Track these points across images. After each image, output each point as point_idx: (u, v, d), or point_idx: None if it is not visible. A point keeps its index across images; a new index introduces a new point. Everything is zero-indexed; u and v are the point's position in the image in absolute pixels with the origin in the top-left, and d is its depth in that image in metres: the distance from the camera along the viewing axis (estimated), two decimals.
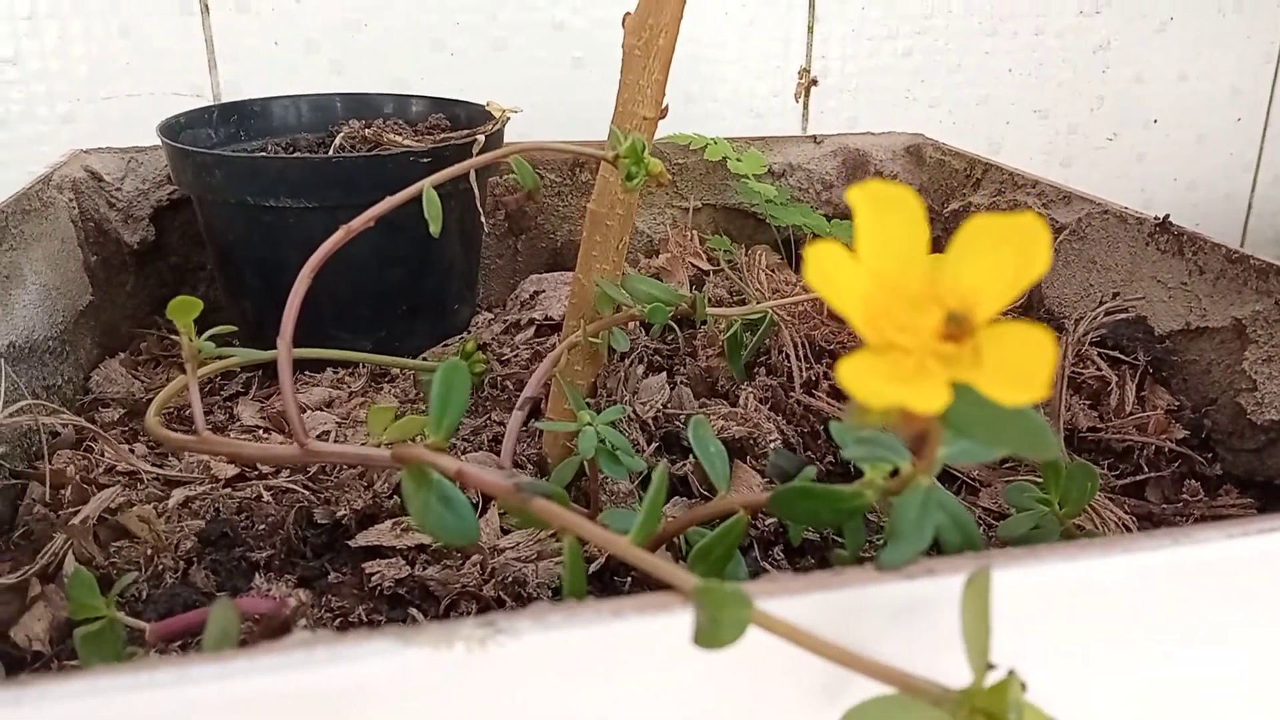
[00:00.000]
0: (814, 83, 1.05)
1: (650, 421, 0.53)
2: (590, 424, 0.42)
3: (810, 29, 1.03)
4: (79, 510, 0.48)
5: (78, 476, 0.50)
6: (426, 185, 0.43)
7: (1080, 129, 1.15)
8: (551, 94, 0.96)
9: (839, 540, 0.48)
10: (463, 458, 0.54)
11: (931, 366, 0.20)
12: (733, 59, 0.99)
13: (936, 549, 0.28)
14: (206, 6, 0.89)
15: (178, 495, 0.50)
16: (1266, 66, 1.18)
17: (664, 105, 0.52)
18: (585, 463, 0.44)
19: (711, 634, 0.22)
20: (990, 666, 0.23)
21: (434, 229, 0.43)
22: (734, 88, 1.01)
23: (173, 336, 0.75)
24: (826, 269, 0.20)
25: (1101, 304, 0.60)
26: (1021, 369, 0.19)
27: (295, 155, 0.65)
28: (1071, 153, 1.16)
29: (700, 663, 0.24)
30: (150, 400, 0.64)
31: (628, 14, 0.51)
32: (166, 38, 0.88)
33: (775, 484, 0.49)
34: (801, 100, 1.06)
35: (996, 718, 0.22)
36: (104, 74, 0.87)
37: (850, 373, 0.20)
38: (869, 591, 0.26)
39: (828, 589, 0.25)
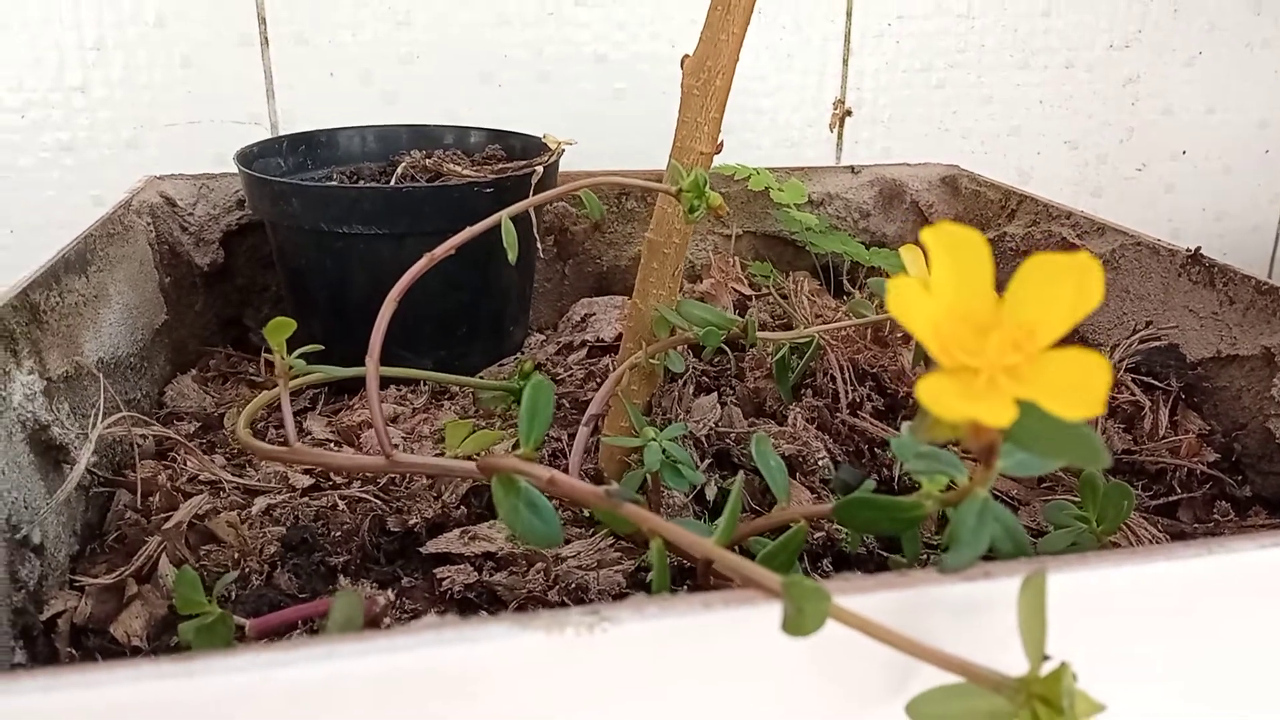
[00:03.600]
0: (849, 113, 1.09)
1: (704, 439, 0.56)
2: (655, 439, 0.45)
3: (845, 61, 1.06)
4: (170, 516, 0.51)
5: (168, 485, 0.53)
6: (504, 216, 0.46)
7: (1109, 159, 1.18)
8: (593, 124, 1.00)
9: (885, 554, 0.51)
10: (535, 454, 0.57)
11: (1000, 383, 0.23)
12: (770, 90, 1.03)
13: (990, 556, 0.31)
14: (266, 39, 0.93)
15: (259, 503, 0.54)
16: None
17: (719, 141, 0.55)
18: (647, 476, 0.47)
19: (797, 623, 0.25)
20: (1045, 658, 0.26)
21: (511, 257, 0.46)
22: (771, 118, 1.04)
23: (239, 354, 0.78)
24: (905, 300, 0.23)
25: (1135, 332, 0.63)
26: (1079, 387, 0.22)
27: (368, 185, 0.69)
28: (1101, 183, 1.19)
29: (780, 651, 0.27)
30: (221, 415, 0.68)
31: (686, 56, 0.54)
32: (226, 68, 0.92)
33: (836, 496, 0.52)
34: (836, 130, 1.09)
35: (1052, 703, 0.25)
36: (166, 102, 0.92)
37: (928, 391, 0.22)
38: (932, 592, 0.28)
39: (895, 588, 0.28)
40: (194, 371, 0.73)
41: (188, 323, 0.76)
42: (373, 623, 0.40)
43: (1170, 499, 0.56)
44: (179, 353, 0.74)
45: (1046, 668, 0.26)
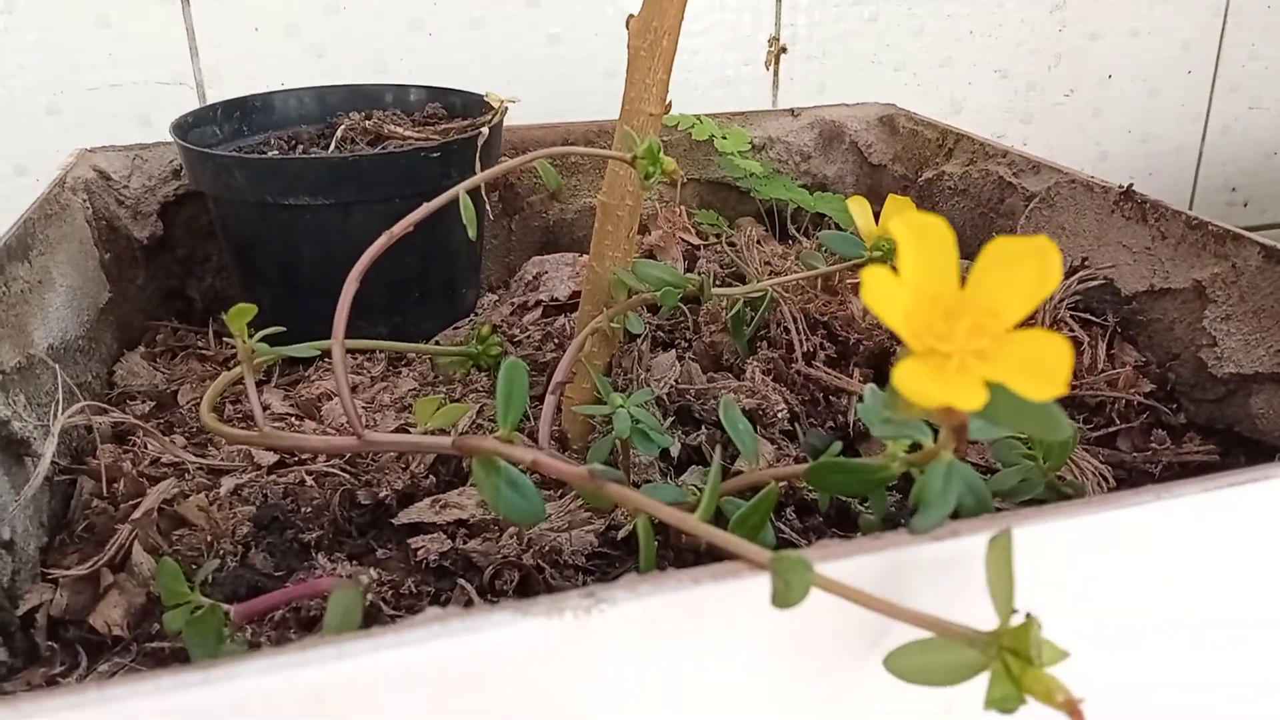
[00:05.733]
0: (783, 50, 1.09)
1: (665, 398, 0.57)
2: (623, 405, 0.46)
3: None
4: (138, 503, 0.51)
5: (133, 470, 0.53)
6: (461, 191, 0.46)
7: (1038, 86, 1.19)
8: (528, 71, 0.99)
9: (844, 500, 0.53)
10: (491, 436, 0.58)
11: (970, 366, 0.24)
12: (704, 29, 1.03)
13: (956, 513, 0.33)
14: None
15: (227, 484, 0.54)
16: (1215, 20, 1.23)
17: (668, 101, 0.55)
18: (616, 441, 0.48)
19: (785, 595, 0.26)
20: (1013, 611, 0.28)
21: (471, 233, 0.47)
22: (705, 58, 1.04)
23: (185, 327, 0.77)
24: (878, 290, 0.24)
25: (1074, 269, 0.65)
26: (1044, 368, 0.24)
27: (313, 156, 0.68)
28: (1030, 109, 1.21)
29: (767, 619, 0.28)
30: (173, 391, 0.67)
31: (631, 16, 0.54)
32: (147, 27, 0.89)
33: (799, 450, 0.53)
34: (772, 68, 1.09)
35: (1021, 654, 0.27)
36: (86, 65, 0.89)
37: (902, 376, 0.24)
38: (904, 553, 0.30)
39: (870, 552, 0.30)
40: (141, 348, 0.72)
41: (131, 298, 0.75)
42: None
43: (1110, 430, 0.58)
44: (125, 330, 0.73)
45: (1015, 620, 0.28)
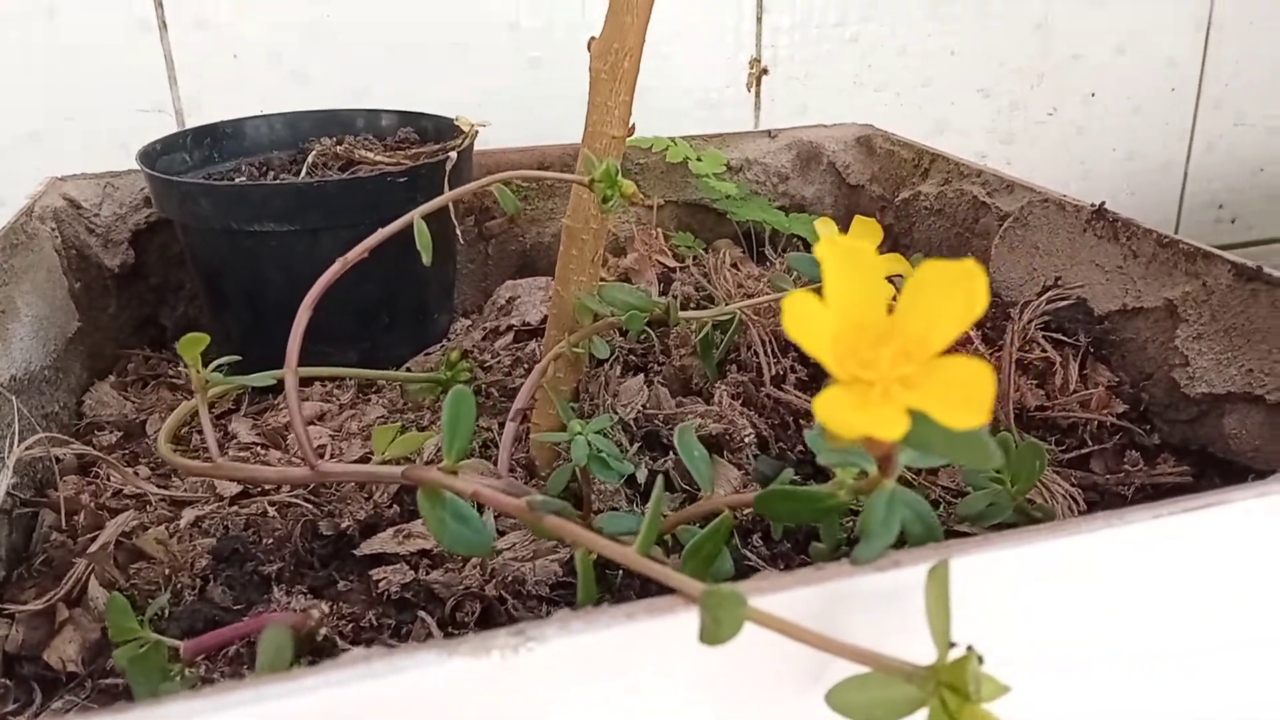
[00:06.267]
0: (765, 72, 1.09)
1: (631, 423, 0.56)
2: (581, 433, 0.46)
3: (759, 19, 1.06)
4: (96, 536, 0.50)
5: (92, 503, 0.53)
6: (417, 217, 0.46)
7: (1021, 105, 1.19)
8: (508, 95, 0.99)
9: (814, 528, 0.52)
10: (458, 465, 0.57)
11: (893, 394, 0.24)
12: (685, 51, 1.02)
13: (903, 540, 0.32)
14: (164, 23, 0.91)
15: (188, 515, 0.53)
16: (1198, 36, 1.23)
17: (631, 124, 0.55)
18: (576, 468, 0.48)
19: (714, 632, 0.26)
20: (952, 645, 0.27)
21: (425, 259, 0.46)
22: (688, 81, 1.04)
23: (157, 355, 0.77)
24: (800, 318, 0.24)
25: (1045, 289, 0.65)
26: (966, 396, 0.23)
27: (278, 183, 0.68)
28: (1014, 129, 1.20)
29: (705, 654, 0.28)
30: (142, 421, 0.67)
31: (593, 38, 0.53)
32: (125, 56, 0.89)
33: (754, 481, 0.53)
34: (753, 89, 1.09)
35: (959, 689, 0.26)
36: (65, 92, 0.88)
37: (824, 407, 0.23)
38: (845, 585, 0.29)
39: (810, 584, 0.29)
40: (112, 377, 0.71)
41: (102, 326, 0.74)
42: (309, 637, 0.40)
43: (1083, 451, 0.58)
44: (95, 358, 0.72)
45: (954, 654, 0.27)
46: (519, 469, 0.57)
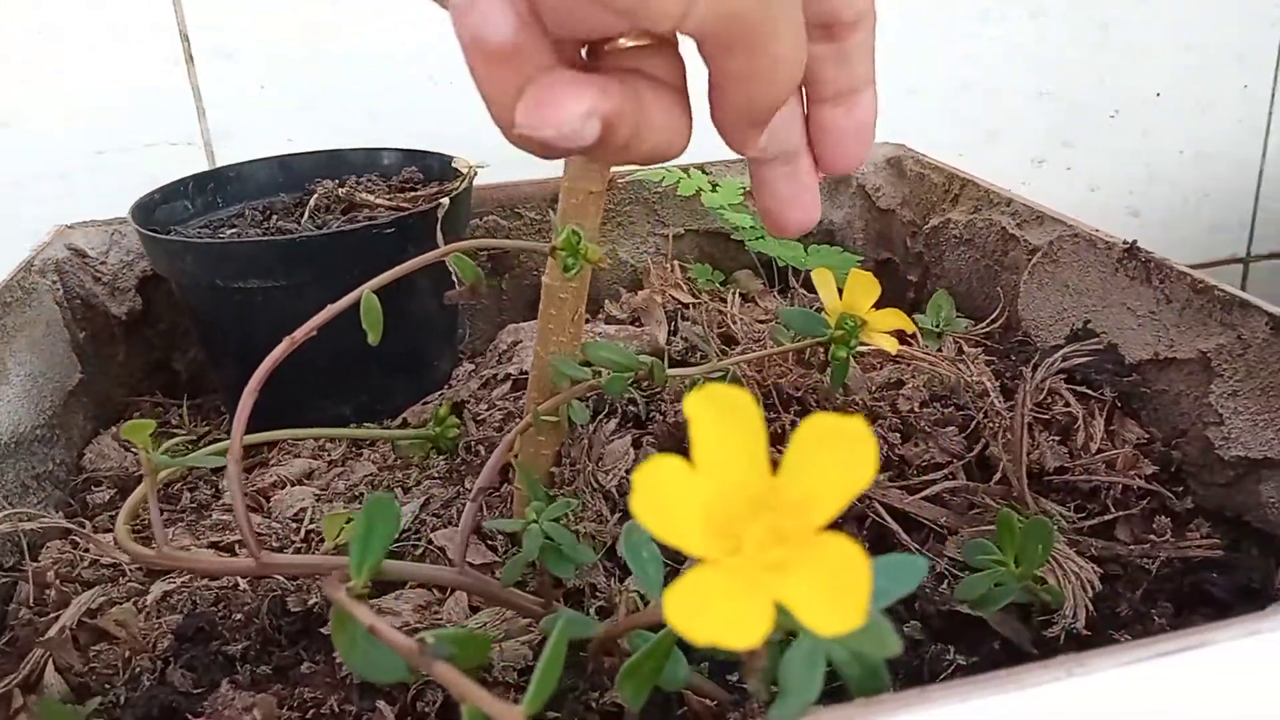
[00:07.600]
0: None
1: (614, 490, 0.53)
2: (536, 521, 0.43)
3: None
4: (59, 616, 0.49)
5: (58, 580, 0.52)
6: (366, 292, 0.44)
7: (1082, 106, 1.13)
8: None
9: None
10: (431, 534, 0.55)
11: (760, 583, 0.20)
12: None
13: (841, 689, 0.29)
14: (190, 56, 0.90)
15: (156, 590, 0.52)
16: (1271, 31, 1.15)
17: (610, 178, 0.52)
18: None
19: None
20: None
21: (373, 338, 0.44)
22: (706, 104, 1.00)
23: (167, 400, 0.76)
24: (655, 495, 0.20)
25: (1075, 335, 0.60)
26: (839, 595, 0.20)
27: (262, 239, 0.66)
28: (1074, 131, 1.14)
29: None
30: (140, 476, 0.66)
31: None
32: (153, 90, 0.89)
33: None
34: None
35: None
36: (95, 128, 0.89)
37: (674, 605, 0.20)
38: None
39: None
40: (116, 429, 0.71)
41: (110, 374, 0.74)
42: None
43: (1106, 518, 0.53)
44: (103, 407, 0.72)
45: None
46: (502, 535, 0.55)
